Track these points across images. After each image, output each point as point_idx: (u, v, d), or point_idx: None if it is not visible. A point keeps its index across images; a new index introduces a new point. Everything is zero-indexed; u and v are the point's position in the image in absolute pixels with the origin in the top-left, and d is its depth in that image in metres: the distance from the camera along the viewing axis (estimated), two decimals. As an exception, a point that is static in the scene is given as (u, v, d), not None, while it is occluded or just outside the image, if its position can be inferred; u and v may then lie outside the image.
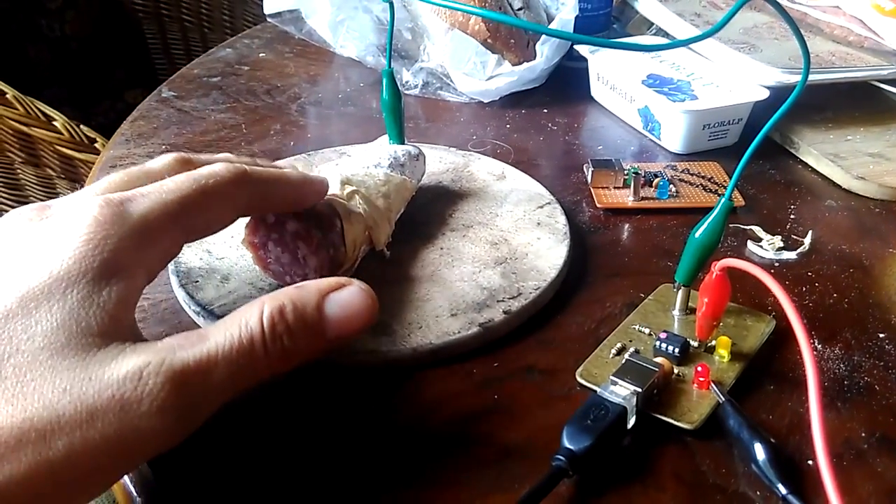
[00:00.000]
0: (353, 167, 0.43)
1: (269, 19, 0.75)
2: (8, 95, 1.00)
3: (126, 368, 0.25)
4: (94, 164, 0.56)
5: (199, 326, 0.38)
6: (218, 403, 0.27)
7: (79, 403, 0.24)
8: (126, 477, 0.31)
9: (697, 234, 0.36)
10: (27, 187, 1.17)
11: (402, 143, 0.49)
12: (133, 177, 0.31)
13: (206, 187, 0.30)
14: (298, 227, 0.36)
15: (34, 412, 0.23)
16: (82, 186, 0.46)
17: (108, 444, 0.24)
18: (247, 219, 0.38)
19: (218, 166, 0.31)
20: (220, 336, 0.27)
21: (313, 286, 0.29)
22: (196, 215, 0.30)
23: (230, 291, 0.39)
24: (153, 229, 0.28)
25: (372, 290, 0.31)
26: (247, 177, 0.31)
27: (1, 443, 0.23)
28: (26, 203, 1.05)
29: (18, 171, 1.13)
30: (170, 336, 0.27)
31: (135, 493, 0.31)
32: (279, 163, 0.40)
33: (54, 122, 1.03)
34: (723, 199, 0.35)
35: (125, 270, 0.27)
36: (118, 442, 0.24)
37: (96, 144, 1.05)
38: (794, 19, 0.32)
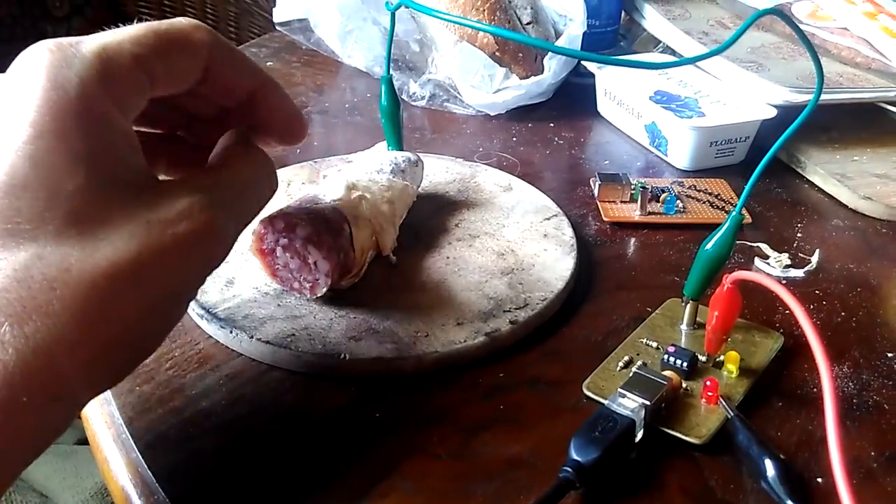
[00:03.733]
0: (356, 173, 0.43)
1: (277, 28, 0.75)
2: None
3: (177, 209, 0.26)
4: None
5: (202, 330, 0.38)
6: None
7: (147, 246, 0.25)
8: (127, 477, 0.31)
9: (708, 247, 0.36)
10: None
11: (401, 149, 0.49)
12: None
13: (162, 31, 0.28)
14: (309, 231, 0.36)
15: (116, 257, 0.25)
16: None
17: (180, 274, 0.27)
18: (254, 226, 0.38)
19: (179, 19, 0.30)
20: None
21: None
22: (155, 58, 0.28)
23: (234, 295, 0.39)
24: (113, 64, 0.26)
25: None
26: (208, 29, 0.30)
27: (100, 286, 0.24)
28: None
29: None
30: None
31: (134, 495, 0.30)
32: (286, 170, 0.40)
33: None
34: (733, 213, 0.35)
35: (107, 114, 0.26)
36: (188, 269, 0.27)
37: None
38: (807, 37, 0.32)
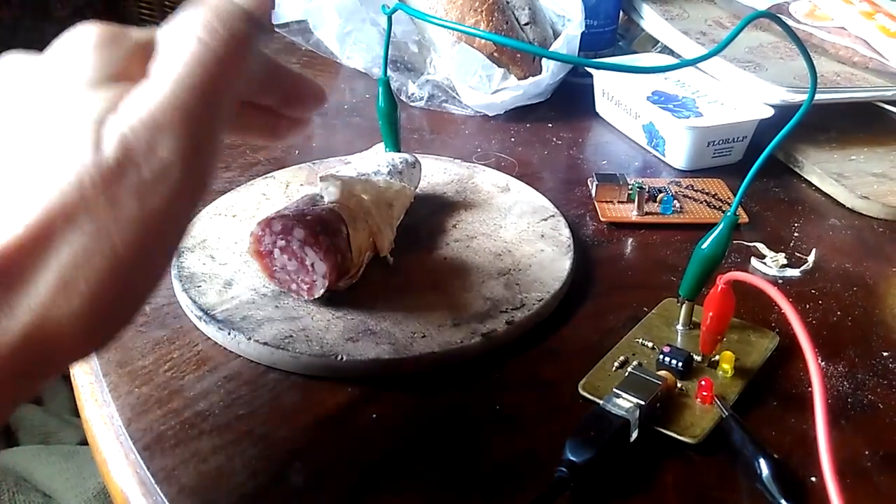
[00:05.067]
0: (354, 174, 0.43)
1: (276, 30, 0.75)
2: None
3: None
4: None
5: (200, 331, 0.38)
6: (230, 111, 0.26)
7: None
8: (126, 478, 0.31)
9: (703, 247, 0.36)
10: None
11: (399, 150, 0.49)
12: None
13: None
14: (306, 233, 0.36)
15: None
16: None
17: None
18: (252, 228, 0.38)
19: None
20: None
21: None
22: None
23: (233, 297, 0.39)
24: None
25: None
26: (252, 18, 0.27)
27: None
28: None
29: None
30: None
31: (134, 496, 0.31)
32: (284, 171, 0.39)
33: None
34: (729, 213, 0.35)
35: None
36: None
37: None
38: (800, 39, 0.32)
